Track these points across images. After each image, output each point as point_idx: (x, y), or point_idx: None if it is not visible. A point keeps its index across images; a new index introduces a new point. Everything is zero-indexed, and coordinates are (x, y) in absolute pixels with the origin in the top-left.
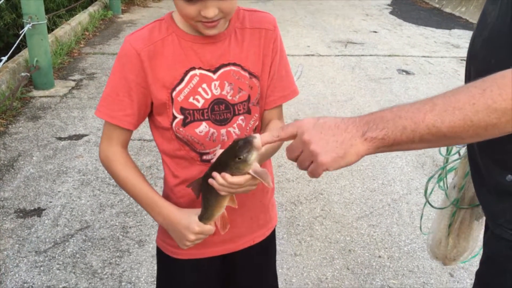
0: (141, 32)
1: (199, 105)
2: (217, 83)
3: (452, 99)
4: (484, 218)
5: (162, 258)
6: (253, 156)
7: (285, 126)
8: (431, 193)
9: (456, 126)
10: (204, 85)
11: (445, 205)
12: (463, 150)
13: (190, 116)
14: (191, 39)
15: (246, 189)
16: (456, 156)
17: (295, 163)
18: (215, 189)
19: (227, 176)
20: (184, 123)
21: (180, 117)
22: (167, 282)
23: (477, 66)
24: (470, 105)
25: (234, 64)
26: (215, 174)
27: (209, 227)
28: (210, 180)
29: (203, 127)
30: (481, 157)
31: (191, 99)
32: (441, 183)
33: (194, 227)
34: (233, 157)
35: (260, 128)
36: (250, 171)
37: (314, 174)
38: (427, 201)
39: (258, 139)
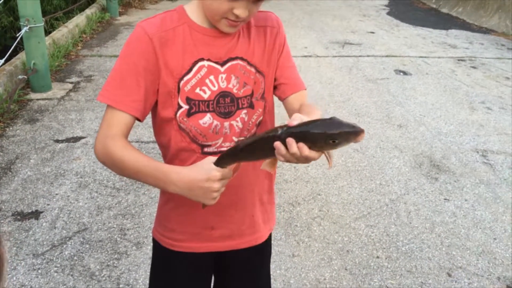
0: (153, 19)
1: (205, 96)
2: (224, 76)
3: None
4: None
5: (158, 250)
6: (343, 146)
7: None
8: None
9: None
10: (212, 77)
11: None
12: None
13: (195, 106)
14: (202, 31)
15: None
16: None
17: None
18: (265, 148)
19: (305, 148)
20: (189, 113)
21: (185, 107)
22: (163, 273)
23: None
24: None
25: (241, 59)
26: (291, 141)
27: (227, 170)
28: (277, 144)
29: (207, 119)
30: None
31: (197, 90)
32: None
33: (215, 173)
34: (325, 137)
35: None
36: (325, 152)
37: None
38: None
39: (363, 136)
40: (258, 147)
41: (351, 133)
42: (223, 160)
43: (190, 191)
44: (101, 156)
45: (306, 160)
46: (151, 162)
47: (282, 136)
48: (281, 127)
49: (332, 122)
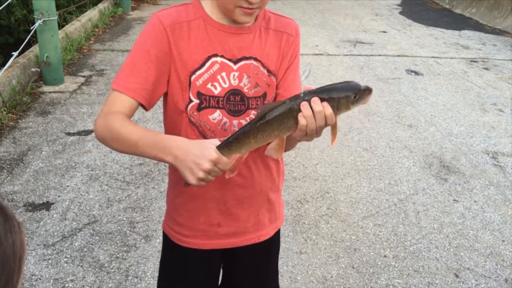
0: (169, 10)
1: (216, 92)
2: (236, 74)
3: None
4: None
5: (168, 244)
6: (358, 105)
7: None
8: None
9: None
10: (223, 74)
11: None
12: None
13: (206, 102)
14: (217, 27)
15: (317, 128)
16: None
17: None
18: (286, 115)
19: (329, 107)
20: (199, 108)
21: (196, 101)
22: (171, 268)
23: None
24: None
25: (255, 59)
26: (316, 100)
27: (225, 159)
28: (305, 103)
29: (216, 115)
30: None
31: (209, 85)
32: None
33: (211, 152)
34: (349, 92)
35: None
36: (337, 118)
37: None
38: None
39: (371, 95)
40: (279, 115)
41: (366, 90)
42: (228, 145)
43: (182, 161)
44: (100, 129)
45: (326, 122)
46: (150, 132)
47: (306, 97)
48: (299, 94)
49: (350, 82)
